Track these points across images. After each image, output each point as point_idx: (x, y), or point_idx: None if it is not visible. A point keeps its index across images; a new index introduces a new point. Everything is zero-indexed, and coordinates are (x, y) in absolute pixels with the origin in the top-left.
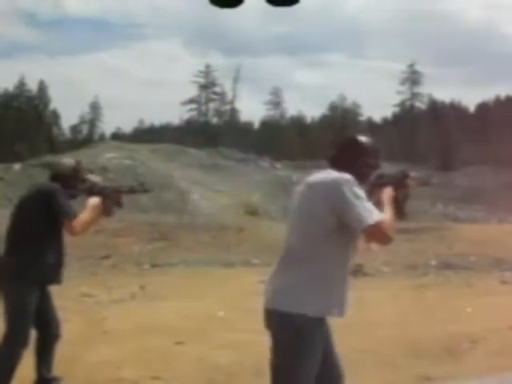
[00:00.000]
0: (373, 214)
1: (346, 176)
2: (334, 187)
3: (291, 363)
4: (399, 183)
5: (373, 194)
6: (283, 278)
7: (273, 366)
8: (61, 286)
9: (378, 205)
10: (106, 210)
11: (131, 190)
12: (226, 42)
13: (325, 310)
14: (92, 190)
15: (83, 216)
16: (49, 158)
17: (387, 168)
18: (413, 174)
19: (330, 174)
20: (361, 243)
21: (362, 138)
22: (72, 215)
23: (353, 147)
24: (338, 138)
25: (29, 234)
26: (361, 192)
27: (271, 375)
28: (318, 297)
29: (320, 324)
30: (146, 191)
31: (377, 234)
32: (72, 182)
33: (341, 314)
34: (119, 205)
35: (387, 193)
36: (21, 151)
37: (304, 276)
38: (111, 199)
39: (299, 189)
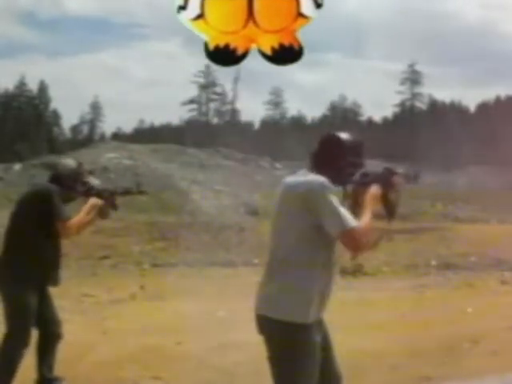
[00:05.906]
0: (343, 221)
1: (320, 180)
2: (306, 192)
3: (291, 371)
4: (386, 181)
5: (358, 194)
6: (271, 284)
7: (273, 374)
8: (61, 286)
9: (360, 207)
10: (101, 213)
11: (126, 192)
12: None
13: (314, 314)
14: (89, 192)
15: (77, 218)
16: (49, 158)
17: (376, 166)
18: (399, 170)
19: (304, 177)
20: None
21: (342, 135)
22: (64, 218)
23: (332, 145)
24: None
25: (26, 234)
26: (333, 197)
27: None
28: (307, 302)
29: (315, 328)
30: (141, 193)
31: (348, 242)
32: (72, 183)
33: (320, 315)
34: (114, 207)
35: (372, 193)
36: (21, 151)
37: (290, 282)
38: (107, 202)
39: (278, 190)
